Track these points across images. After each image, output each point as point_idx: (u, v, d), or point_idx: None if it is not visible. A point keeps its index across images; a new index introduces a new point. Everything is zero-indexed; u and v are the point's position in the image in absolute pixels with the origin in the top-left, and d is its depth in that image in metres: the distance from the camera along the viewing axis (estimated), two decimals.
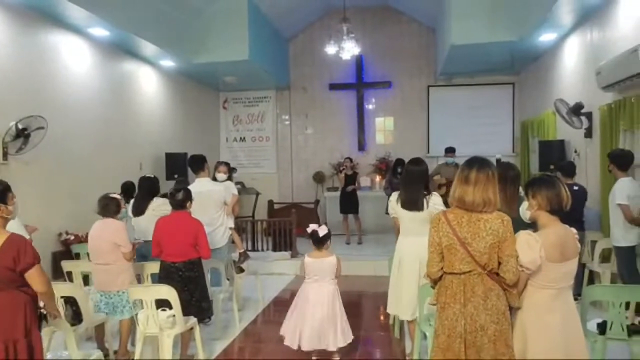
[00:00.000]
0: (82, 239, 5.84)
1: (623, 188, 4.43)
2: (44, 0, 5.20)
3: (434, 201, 3.70)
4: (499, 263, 2.36)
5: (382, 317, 5.39)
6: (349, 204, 8.93)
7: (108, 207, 4.05)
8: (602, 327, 3.24)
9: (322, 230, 3.88)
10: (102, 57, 6.79)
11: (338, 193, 10.03)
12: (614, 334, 3.20)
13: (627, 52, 4.79)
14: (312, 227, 3.93)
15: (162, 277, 4.03)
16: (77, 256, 5.38)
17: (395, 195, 3.86)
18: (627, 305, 3.46)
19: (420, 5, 9.64)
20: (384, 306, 5.43)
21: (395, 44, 10.62)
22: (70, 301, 3.74)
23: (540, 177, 2.64)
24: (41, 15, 5.56)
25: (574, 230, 2.49)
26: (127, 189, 5.50)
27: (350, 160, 9.29)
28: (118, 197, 4.17)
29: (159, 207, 4.88)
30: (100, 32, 6.28)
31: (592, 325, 3.32)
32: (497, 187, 2.56)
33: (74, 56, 6.21)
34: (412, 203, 3.70)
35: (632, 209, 4.41)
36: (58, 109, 5.84)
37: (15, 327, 2.46)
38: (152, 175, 5.07)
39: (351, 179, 9.01)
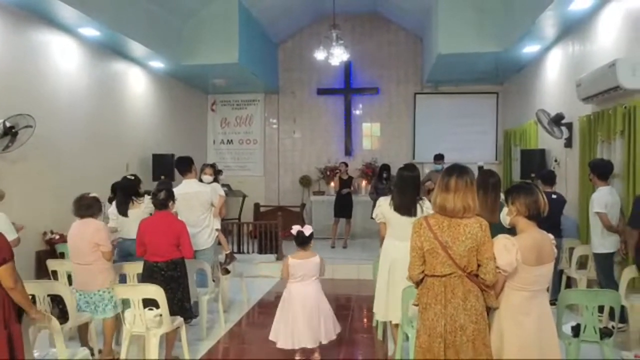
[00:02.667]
0: (66, 239, 5.82)
1: (601, 197, 4.59)
2: None
3: (427, 206, 3.79)
4: (478, 265, 2.47)
5: (365, 320, 5.47)
6: (344, 207, 9.03)
7: (92, 208, 4.05)
8: (576, 330, 3.37)
9: (308, 230, 3.97)
10: (92, 57, 6.79)
11: (324, 197, 10.18)
12: (587, 336, 3.33)
13: (606, 66, 4.96)
14: (296, 228, 4.01)
15: (145, 277, 4.07)
16: (61, 255, 5.38)
17: (386, 199, 3.93)
18: (602, 309, 3.60)
19: (409, 14, 9.80)
20: (368, 309, 5.56)
21: (384, 51, 10.78)
22: (56, 300, 3.75)
23: (519, 184, 2.76)
24: (32, 14, 5.56)
25: (551, 236, 2.61)
26: (116, 189, 5.50)
27: (346, 165, 9.40)
28: (97, 196, 4.18)
29: (150, 204, 4.93)
30: (91, 32, 6.29)
31: (567, 328, 3.44)
32: (479, 194, 2.66)
33: (64, 56, 6.21)
34: (406, 208, 3.79)
35: (610, 217, 4.57)
36: (46, 107, 5.83)
37: None
38: (133, 176, 5.10)
39: (346, 183, 9.11)
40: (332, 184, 10.00)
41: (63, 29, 6.11)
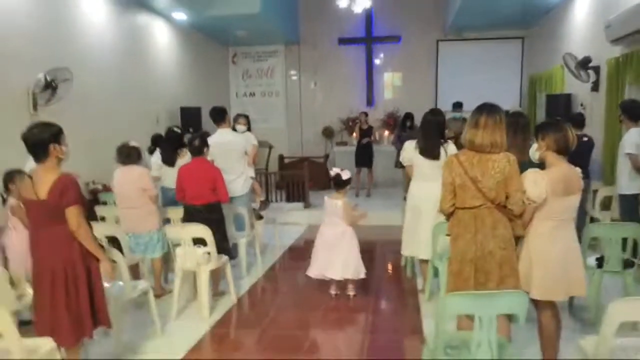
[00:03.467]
0: (109, 188, 6.15)
1: (632, 138, 4.53)
2: None
3: (452, 149, 3.94)
4: (507, 197, 2.64)
5: (392, 261, 5.74)
6: (364, 157, 9.12)
7: (132, 156, 4.35)
8: (600, 261, 3.56)
9: (345, 175, 4.19)
10: (118, 9, 6.88)
11: (347, 148, 10.30)
12: (611, 267, 3.53)
13: (638, 5, 4.89)
14: (336, 170, 4.22)
15: (185, 219, 4.34)
16: (104, 204, 5.71)
17: (412, 143, 4.10)
18: (625, 248, 3.75)
19: None
20: (394, 252, 5.82)
21: None
22: (111, 240, 4.06)
23: (549, 121, 2.89)
24: None
25: (578, 169, 2.76)
26: (157, 141, 5.76)
27: (366, 114, 9.43)
28: (138, 145, 4.43)
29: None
30: None
31: (592, 261, 3.64)
32: (509, 134, 2.81)
33: (92, 8, 6.31)
34: (431, 151, 3.96)
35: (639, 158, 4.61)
36: (78, 61, 5.98)
37: (72, 253, 2.72)
38: (180, 130, 5.33)
39: (366, 133, 9.19)
40: (354, 134, 10.09)
41: None
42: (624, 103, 4.86)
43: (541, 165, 2.83)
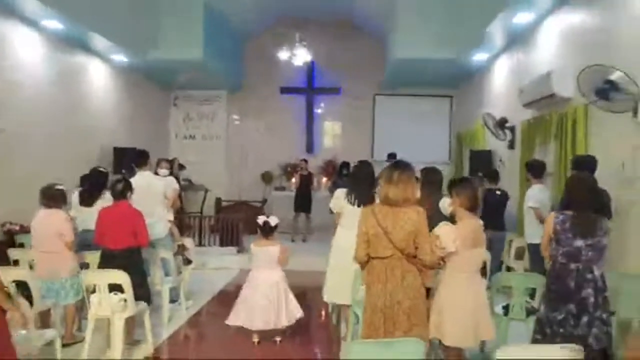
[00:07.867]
0: (27, 229, 5.84)
1: (534, 194, 5.01)
2: None
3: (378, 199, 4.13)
4: (416, 248, 2.81)
5: (320, 306, 5.74)
6: (303, 202, 9.28)
7: (56, 198, 4.19)
8: (506, 309, 3.79)
9: (273, 220, 4.25)
10: (54, 49, 6.79)
11: (285, 193, 10.41)
12: (515, 314, 3.76)
13: (543, 75, 5.47)
14: (263, 218, 4.28)
15: (102, 263, 4.19)
16: (21, 245, 5.42)
17: (342, 191, 4.26)
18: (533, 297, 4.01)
19: (370, 18, 10.18)
20: (322, 298, 5.86)
21: (346, 53, 11.04)
22: (21, 286, 3.85)
23: (460, 178, 3.15)
24: None
25: (481, 222, 3.00)
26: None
27: (306, 161, 9.67)
28: (64, 188, 4.30)
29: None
30: (54, 24, 6.31)
31: (499, 309, 3.86)
32: (424, 188, 3.02)
33: (26, 48, 6.21)
34: (360, 200, 4.11)
35: (541, 211, 5.03)
36: (8, 100, 5.83)
37: None
38: (105, 170, 5.22)
39: (306, 179, 9.37)
40: (293, 179, 10.24)
41: (26, 22, 6.11)
42: (529, 162, 5.36)
43: (450, 218, 3.04)
